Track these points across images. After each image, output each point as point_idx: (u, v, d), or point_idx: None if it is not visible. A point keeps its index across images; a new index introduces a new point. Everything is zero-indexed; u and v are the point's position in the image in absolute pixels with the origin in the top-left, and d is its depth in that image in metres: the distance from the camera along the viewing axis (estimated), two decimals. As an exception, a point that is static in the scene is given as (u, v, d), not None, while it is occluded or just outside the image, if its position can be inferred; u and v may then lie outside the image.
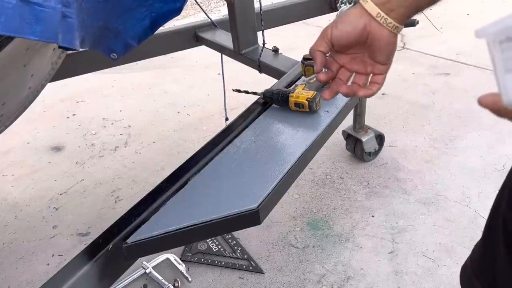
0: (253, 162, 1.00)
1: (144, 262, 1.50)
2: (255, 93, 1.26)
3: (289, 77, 1.38)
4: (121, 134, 2.33)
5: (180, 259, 1.54)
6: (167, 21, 1.09)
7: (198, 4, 2.00)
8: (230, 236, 1.62)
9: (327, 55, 0.70)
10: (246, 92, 1.30)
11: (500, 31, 0.42)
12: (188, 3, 1.11)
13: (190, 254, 1.56)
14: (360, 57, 0.70)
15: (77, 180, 2.00)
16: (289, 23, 2.10)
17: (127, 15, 1.02)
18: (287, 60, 1.64)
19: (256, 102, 1.26)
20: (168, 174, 1.00)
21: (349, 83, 0.72)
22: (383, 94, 2.50)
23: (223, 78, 1.96)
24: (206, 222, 0.86)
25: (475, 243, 0.81)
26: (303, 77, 1.34)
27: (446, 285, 1.40)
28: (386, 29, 0.64)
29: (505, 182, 0.71)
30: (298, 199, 1.80)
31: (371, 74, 0.71)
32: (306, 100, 1.14)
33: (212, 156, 1.05)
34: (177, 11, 1.07)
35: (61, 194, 1.92)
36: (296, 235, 1.63)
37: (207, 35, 1.92)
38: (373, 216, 1.69)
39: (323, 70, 0.71)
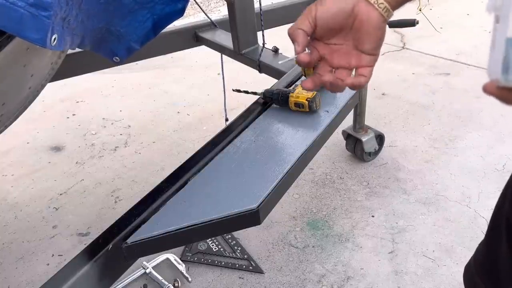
0: (253, 162, 1.00)
1: (144, 262, 1.50)
2: (255, 93, 1.26)
3: (289, 77, 1.38)
4: (121, 134, 2.33)
5: (180, 259, 1.54)
6: (169, 23, 1.09)
7: (198, 4, 2.00)
8: (230, 236, 1.62)
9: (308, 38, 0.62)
10: (246, 92, 1.30)
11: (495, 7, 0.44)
12: (188, 3, 1.11)
13: (190, 254, 1.56)
14: (344, 48, 0.63)
15: (77, 180, 2.00)
16: (289, 23, 2.08)
17: (129, 18, 1.02)
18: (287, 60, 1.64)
19: (256, 102, 1.26)
20: (168, 174, 1.00)
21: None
22: (383, 94, 2.50)
23: (223, 78, 1.96)
24: (206, 222, 0.86)
25: (475, 243, 0.81)
26: (303, 77, 1.35)
27: (446, 285, 1.40)
28: (377, 10, 0.59)
29: (509, 182, 0.71)
30: (298, 199, 1.80)
31: (355, 69, 0.63)
32: (306, 100, 1.14)
33: (212, 156, 1.05)
34: (179, 12, 1.07)
35: (61, 194, 1.92)
36: (296, 235, 1.63)
37: (207, 35, 1.92)
38: (373, 216, 1.69)
39: (306, 51, 0.63)
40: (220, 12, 4.32)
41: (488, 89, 0.46)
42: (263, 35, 1.70)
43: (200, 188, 0.95)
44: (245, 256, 1.55)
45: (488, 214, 1.65)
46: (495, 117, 2.21)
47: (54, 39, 0.71)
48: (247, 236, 1.63)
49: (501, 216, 0.72)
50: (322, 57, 0.64)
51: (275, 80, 1.45)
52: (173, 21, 1.10)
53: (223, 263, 1.53)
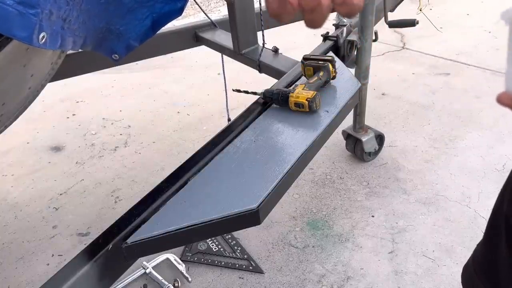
0: (253, 162, 1.00)
1: (144, 262, 1.50)
2: (255, 93, 1.26)
3: (289, 77, 1.38)
4: (121, 134, 2.33)
5: (180, 259, 1.54)
6: (168, 22, 1.09)
7: (198, 4, 2.00)
8: (230, 236, 1.62)
9: None
10: (246, 92, 1.30)
11: None
12: (188, 3, 1.11)
13: (190, 254, 1.56)
14: None
15: (77, 180, 2.00)
16: (289, 23, 2.10)
17: (128, 16, 1.02)
18: (287, 60, 1.64)
19: (256, 102, 1.26)
20: (168, 174, 1.00)
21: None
22: (383, 94, 2.50)
23: (224, 78, 1.96)
24: (206, 222, 0.86)
25: (475, 243, 0.81)
26: (303, 77, 1.35)
27: (446, 285, 1.40)
28: None
29: (507, 182, 0.71)
30: (298, 199, 1.80)
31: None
32: (306, 100, 1.14)
33: (212, 156, 1.05)
34: (178, 11, 1.07)
35: (61, 194, 1.92)
36: (296, 235, 1.63)
37: (207, 35, 1.92)
38: (373, 216, 1.69)
39: None
40: (220, 12, 4.32)
41: (503, 100, 0.45)
42: (263, 35, 1.70)
43: (200, 188, 0.95)
44: (245, 256, 1.55)
45: (488, 214, 1.65)
46: (495, 117, 2.21)
47: (43, 37, 0.71)
48: (247, 236, 1.63)
49: (500, 216, 0.72)
50: None
51: (275, 80, 1.45)
52: (172, 20, 1.10)
53: (223, 263, 1.53)
